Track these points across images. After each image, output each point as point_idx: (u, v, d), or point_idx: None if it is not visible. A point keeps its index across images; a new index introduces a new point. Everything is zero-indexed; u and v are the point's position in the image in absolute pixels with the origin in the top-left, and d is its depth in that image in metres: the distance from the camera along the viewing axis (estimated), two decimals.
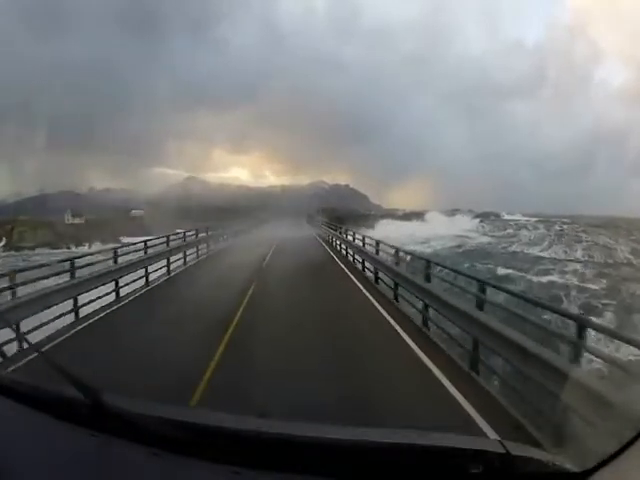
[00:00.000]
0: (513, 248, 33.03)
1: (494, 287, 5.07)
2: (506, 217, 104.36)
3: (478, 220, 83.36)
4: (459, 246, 32.13)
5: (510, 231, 54.38)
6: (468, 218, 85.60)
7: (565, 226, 59.03)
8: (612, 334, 3.40)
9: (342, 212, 67.43)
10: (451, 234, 42.98)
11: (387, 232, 28.55)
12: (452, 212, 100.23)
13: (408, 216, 72.79)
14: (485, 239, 40.88)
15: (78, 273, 7.42)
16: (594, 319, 6.89)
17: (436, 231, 42.94)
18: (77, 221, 52.43)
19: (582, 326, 3.14)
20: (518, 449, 0.91)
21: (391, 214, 78.30)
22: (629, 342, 2.87)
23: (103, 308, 7.94)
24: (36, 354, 3.89)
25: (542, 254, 29.07)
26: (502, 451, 0.89)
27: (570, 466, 0.88)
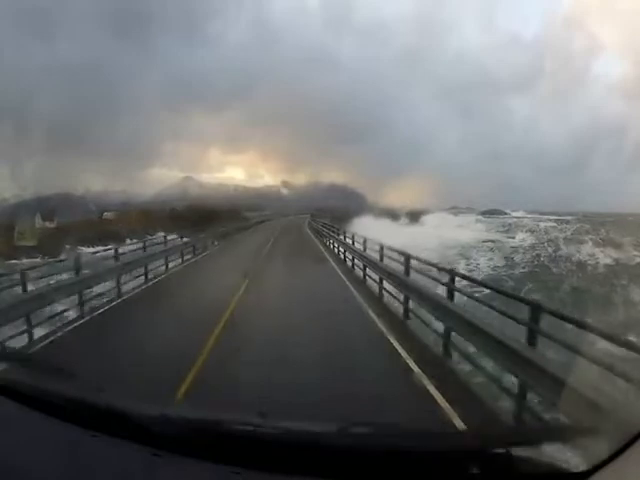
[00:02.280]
0: (565, 252, 28.00)
1: None
2: (512, 214, 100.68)
3: (483, 217, 79.21)
4: (511, 264, 24.96)
5: (538, 225, 49.41)
6: (474, 216, 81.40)
7: (587, 225, 55.40)
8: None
9: (340, 212, 61.87)
10: (476, 239, 37.73)
11: (399, 238, 21.16)
12: (456, 211, 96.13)
13: (414, 216, 67.61)
14: (522, 242, 35.83)
15: None
16: None
17: (455, 236, 37.29)
18: (48, 225, 45.92)
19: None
20: (518, 449, 0.90)
21: (391, 214, 72.57)
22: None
23: None
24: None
25: (607, 260, 24.07)
26: (502, 451, 0.88)
27: (570, 466, 0.87)
